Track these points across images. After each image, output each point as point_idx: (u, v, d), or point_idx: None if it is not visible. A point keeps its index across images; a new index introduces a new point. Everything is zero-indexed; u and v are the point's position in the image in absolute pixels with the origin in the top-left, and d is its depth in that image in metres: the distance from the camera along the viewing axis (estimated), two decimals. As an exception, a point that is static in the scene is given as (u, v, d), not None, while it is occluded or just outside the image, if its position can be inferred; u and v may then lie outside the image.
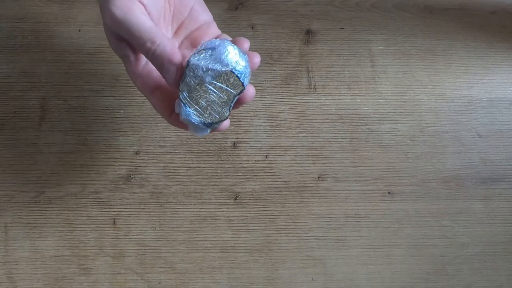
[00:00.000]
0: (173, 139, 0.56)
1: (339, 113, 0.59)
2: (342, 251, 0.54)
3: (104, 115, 0.56)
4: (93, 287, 0.51)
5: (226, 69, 0.37)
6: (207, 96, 0.38)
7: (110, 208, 0.54)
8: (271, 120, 0.58)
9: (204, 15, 0.44)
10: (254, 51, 0.41)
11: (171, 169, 0.55)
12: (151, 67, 0.41)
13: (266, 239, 0.54)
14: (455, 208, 0.57)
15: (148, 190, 0.54)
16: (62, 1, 0.60)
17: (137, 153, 0.55)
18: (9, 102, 0.56)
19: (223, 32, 0.45)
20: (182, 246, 0.53)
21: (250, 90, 0.40)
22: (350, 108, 0.59)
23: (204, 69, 0.37)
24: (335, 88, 0.60)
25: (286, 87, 0.59)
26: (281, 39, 0.61)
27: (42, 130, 0.55)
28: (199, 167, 0.56)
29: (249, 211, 0.55)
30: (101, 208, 0.53)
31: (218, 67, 0.37)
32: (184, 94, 0.38)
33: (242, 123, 0.58)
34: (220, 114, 0.39)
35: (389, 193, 0.56)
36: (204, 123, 0.39)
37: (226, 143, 0.57)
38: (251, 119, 0.58)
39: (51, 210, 0.53)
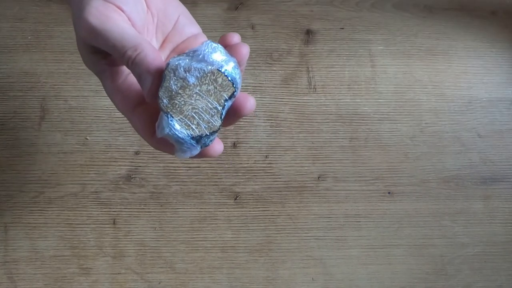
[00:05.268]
0: (173, 139, 0.56)
1: (339, 113, 0.59)
2: (342, 251, 0.54)
3: (104, 115, 0.56)
4: (93, 287, 0.51)
5: (212, 67, 0.32)
6: (193, 102, 0.32)
7: (110, 208, 0.53)
8: (271, 120, 0.58)
9: (191, 27, 0.40)
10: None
11: (171, 169, 0.55)
12: (132, 80, 0.37)
13: (266, 239, 0.54)
14: (455, 208, 0.57)
15: (148, 190, 0.54)
16: (62, 1, 0.60)
17: (137, 153, 0.55)
18: (9, 102, 0.56)
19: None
20: (182, 246, 0.53)
21: (251, 101, 0.35)
22: (350, 108, 0.59)
23: (187, 68, 0.32)
24: (335, 88, 0.60)
25: (286, 87, 0.59)
26: (281, 39, 0.61)
27: (42, 130, 0.55)
28: (199, 167, 0.56)
29: (249, 211, 0.55)
30: (101, 208, 0.53)
31: (202, 65, 0.32)
32: (165, 102, 0.32)
33: (242, 123, 0.58)
34: (210, 124, 0.32)
35: (389, 193, 0.56)
36: (192, 137, 0.32)
37: (226, 143, 0.57)
38: (251, 119, 0.58)
39: (51, 210, 0.53)
